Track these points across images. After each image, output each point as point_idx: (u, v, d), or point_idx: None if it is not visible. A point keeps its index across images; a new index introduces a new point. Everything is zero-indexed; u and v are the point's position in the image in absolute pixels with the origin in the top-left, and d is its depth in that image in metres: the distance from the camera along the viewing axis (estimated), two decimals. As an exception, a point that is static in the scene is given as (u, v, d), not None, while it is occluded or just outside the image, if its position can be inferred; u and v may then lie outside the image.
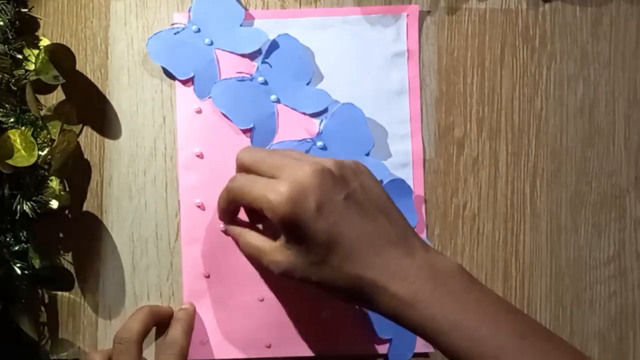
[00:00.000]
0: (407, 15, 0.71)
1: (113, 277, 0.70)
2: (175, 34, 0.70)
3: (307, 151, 0.69)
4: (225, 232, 0.69)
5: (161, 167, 0.71)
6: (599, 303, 0.71)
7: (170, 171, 0.71)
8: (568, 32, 0.72)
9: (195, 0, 0.70)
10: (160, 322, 0.67)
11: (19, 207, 0.66)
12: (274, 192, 0.56)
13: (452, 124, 0.71)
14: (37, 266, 0.67)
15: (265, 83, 0.70)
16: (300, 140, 0.70)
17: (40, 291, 0.71)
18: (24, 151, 0.66)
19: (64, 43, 0.70)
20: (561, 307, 0.70)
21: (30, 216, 0.66)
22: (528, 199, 0.71)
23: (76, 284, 0.70)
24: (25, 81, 0.68)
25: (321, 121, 0.70)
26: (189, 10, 0.70)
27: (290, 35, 0.70)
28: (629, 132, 0.71)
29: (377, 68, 0.71)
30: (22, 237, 0.68)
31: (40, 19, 0.72)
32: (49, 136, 0.68)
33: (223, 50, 0.70)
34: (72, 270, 0.70)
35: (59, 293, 0.70)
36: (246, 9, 0.71)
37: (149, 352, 0.69)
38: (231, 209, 0.65)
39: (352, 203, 0.57)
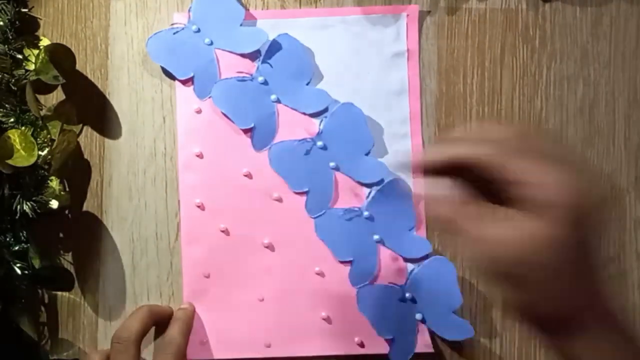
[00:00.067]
0: (407, 15, 0.71)
1: (113, 277, 0.71)
2: (175, 33, 0.70)
3: (307, 151, 0.69)
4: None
5: (161, 167, 0.71)
6: (599, 303, 0.71)
7: (170, 171, 0.71)
8: (568, 32, 0.72)
9: (195, 0, 0.70)
10: (159, 322, 0.67)
11: (19, 207, 0.66)
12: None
13: (452, 124, 0.71)
14: (37, 266, 0.67)
15: (265, 83, 0.70)
16: (300, 140, 0.70)
17: (40, 291, 0.71)
18: (24, 151, 0.66)
19: (64, 43, 0.70)
20: (561, 307, 0.70)
21: (30, 216, 0.66)
22: (528, 199, 0.71)
23: (76, 284, 0.70)
24: (25, 81, 0.68)
25: (321, 121, 0.70)
26: (189, 10, 0.70)
27: (291, 35, 0.70)
28: (629, 132, 0.71)
29: (377, 68, 0.71)
30: (22, 237, 0.68)
31: (40, 19, 0.72)
32: (49, 136, 0.68)
33: (223, 50, 0.70)
34: (72, 270, 0.70)
35: (59, 293, 0.71)
36: (246, 9, 0.71)
37: (148, 352, 0.69)
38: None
39: None
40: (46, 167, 0.68)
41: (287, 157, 0.70)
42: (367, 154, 0.70)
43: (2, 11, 0.68)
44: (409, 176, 0.70)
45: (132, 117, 0.72)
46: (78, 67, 0.71)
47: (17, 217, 0.66)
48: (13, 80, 0.68)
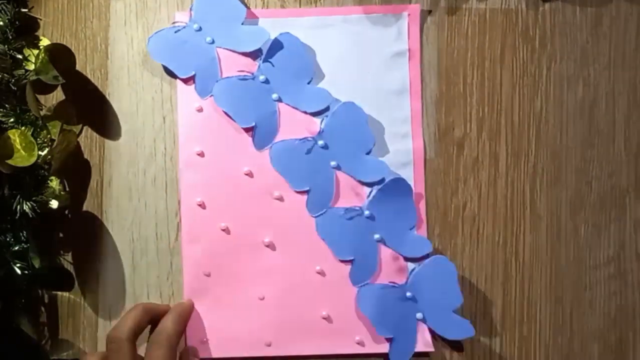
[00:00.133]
0: (409, 15, 0.71)
1: (113, 277, 0.70)
2: (176, 32, 0.70)
3: (308, 150, 0.69)
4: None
5: (161, 167, 0.71)
6: (599, 303, 0.71)
7: (170, 171, 0.71)
8: (568, 32, 0.72)
9: (197, -1, 0.71)
10: (155, 319, 0.67)
11: (19, 207, 0.66)
12: None
13: (452, 124, 0.71)
14: (37, 266, 0.66)
15: (266, 82, 0.70)
16: (301, 139, 0.70)
17: (40, 291, 0.71)
18: (24, 151, 0.66)
19: (64, 43, 0.70)
20: (561, 307, 0.70)
21: (30, 216, 0.66)
22: (528, 199, 0.71)
23: (76, 284, 0.70)
24: (25, 81, 0.68)
25: (322, 120, 0.70)
26: (190, 9, 0.70)
27: (292, 34, 0.70)
28: (629, 132, 0.71)
29: (378, 67, 0.71)
30: (22, 237, 0.68)
31: (40, 19, 0.72)
32: (49, 136, 0.68)
33: (224, 48, 0.71)
34: (72, 270, 0.70)
35: (59, 293, 0.70)
36: (248, 8, 0.71)
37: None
38: None
39: None
40: (46, 167, 0.68)
41: (288, 156, 0.70)
42: (368, 153, 0.70)
43: (2, 11, 0.68)
44: (410, 175, 0.70)
45: (132, 117, 0.72)
46: (78, 67, 0.71)
47: (17, 217, 0.66)
48: (13, 80, 0.68)
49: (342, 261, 0.70)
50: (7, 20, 0.68)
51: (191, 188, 0.70)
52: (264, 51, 0.70)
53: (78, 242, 0.71)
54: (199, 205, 0.70)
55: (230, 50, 0.70)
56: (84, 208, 0.71)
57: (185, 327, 0.69)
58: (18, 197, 0.66)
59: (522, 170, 0.71)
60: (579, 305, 0.70)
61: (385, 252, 0.69)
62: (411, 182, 0.70)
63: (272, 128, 0.70)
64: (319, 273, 0.69)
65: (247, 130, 0.70)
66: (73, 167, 0.70)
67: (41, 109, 0.68)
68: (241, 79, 0.70)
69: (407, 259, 0.70)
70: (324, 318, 0.69)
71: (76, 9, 0.72)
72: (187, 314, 0.69)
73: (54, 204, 0.67)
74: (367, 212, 0.69)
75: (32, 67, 0.69)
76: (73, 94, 0.71)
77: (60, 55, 0.68)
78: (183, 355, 0.68)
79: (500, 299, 0.70)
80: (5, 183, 0.67)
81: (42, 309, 0.70)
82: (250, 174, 0.70)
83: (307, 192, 0.70)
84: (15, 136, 0.66)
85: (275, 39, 0.70)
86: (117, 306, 0.70)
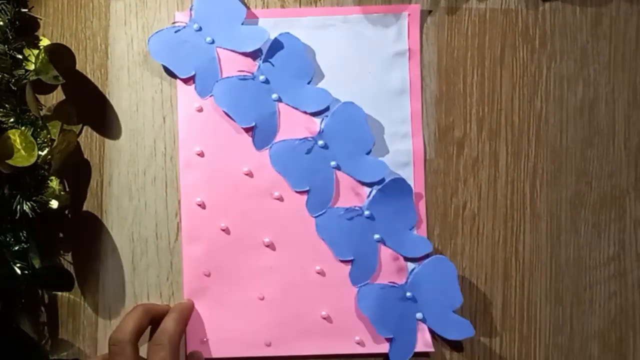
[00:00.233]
0: (409, 15, 0.71)
1: (113, 277, 0.70)
2: (176, 32, 0.70)
3: (308, 150, 0.70)
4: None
5: (161, 167, 0.71)
6: (599, 303, 0.71)
7: (170, 171, 0.71)
8: (568, 32, 0.72)
9: (197, -1, 0.71)
10: (156, 320, 0.67)
11: (19, 207, 0.66)
12: None
13: (452, 124, 0.71)
14: (37, 266, 0.67)
15: (266, 82, 0.70)
16: (301, 139, 0.70)
17: (40, 291, 0.71)
18: (24, 151, 0.66)
19: (64, 43, 0.70)
20: (561, 307, 0.70)
21: (30, 216, 0.66)
22: (528, 199, 0.71)
23: (76, 284, 0.70)
24: (25, 81, 0.68)
25: (322, 120, 0.70)
26: (191, 9, 0.70)
27: (292, 34, 0.70)
28: (629, 132, 0.71)
29: (378, 67, 0.71)
30: (22, 237, 0.68)
31: (40, 19, 0.72)
32: (49, 136, 0.68)
33: (224, 48, 0.71)
34: (72, 270, 0.70)
35: (59, 293, 0.70)
36: (248, 8, 0.71)
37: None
38: None
39: None
40: (46, 167, 0.68)
41: (288, 156, 0.70)
42: (368, 153, 0.70)
43: (2, 11, 0.68)
44: (410, 175, 0.70)
45: (132, 117, 0.72)
46: (78, 67, 0.71)
47: (17, 217, 0.66)
48: (13, 80, 0.68)
49: (342, 261, 0.70)
50: (7, 20, 0.68)
51: (191, 188, 0.70)
52: (264, 51, 0.70)
53: (78, 242, 0.71)
54: (199, 205, 0.70)
55: (230, 50, 0.70)
56: (84, 208, 0.71)
57: (186, 326, 0.69)
58: (18, 197, 0.66)
59: (522, 170, 0.71)
60: (579, 305, 0.70)
61: (385, 252, 0.69)
62: (411, 182, 0.70)
63: (272, 128, 0.70)
64: (319, 273, 0.70)
65: (247, 130, 0.70)
66: (73, 167, 0.71)
67: (41, 109, 0.68)
68: (241, 79, 0.70)
69: (407, 259, 0.70)
70: (324, 318, 0.69)
71: (76, 9, 0.72)
72: (188, 313, 0.69)
73: (54, 204, 0.67)
74: (367, 212, 0.69)
75: (32, 67, 0.69)
76: (73, 94, 0.71)
77: (60, 55, 0.68)
78: (189, 358, 0.68)
79: (500, 299, 0.70)
80: (5, 183, 0.67)
81: (42, 309, 0.70)
82: (250, 174, 0.70)
83: (307, 192, 0.70)
84: (15, 136, 0.66)
85: (275, 39, 0.70)
86: (117, 306, 0.70)
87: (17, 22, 0.70)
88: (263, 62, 0.70)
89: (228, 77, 0.70)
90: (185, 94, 0.71)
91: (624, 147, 0.71)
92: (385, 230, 0.69)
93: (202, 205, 0.70)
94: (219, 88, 0.70)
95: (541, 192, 0.71)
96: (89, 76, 0.72)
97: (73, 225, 0.71)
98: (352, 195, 0.70)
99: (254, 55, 0.71)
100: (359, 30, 0.71)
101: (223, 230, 0.70)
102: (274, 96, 0.70)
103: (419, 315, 0.68)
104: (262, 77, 0.70)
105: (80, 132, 0.71)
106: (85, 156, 0.71)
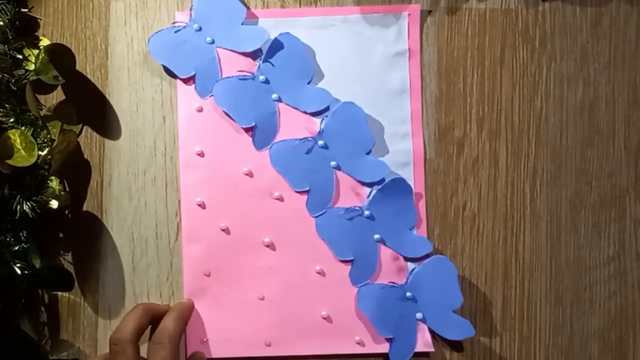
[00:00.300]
0: (409, 15, 0.71)
1: (113, 277, 0.70)
2: (176, 32, 0.70)
3: (308, 150, 0.70)
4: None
5: (161, 167, 0.71)
6: (599, 303, 0.71)
7: (170, 171, 0.71)
8: (568, 32, 0.72)
9: (197, -1, 0.71)
10: (156, 320, 0.67)
11: (19, 207, 0.66)
12: None
13: (452, 124, 0.71)
14: (37, 266, 0.67)
15: (266, 82, 0.70)
16: (301, 139, 0.70)
17: (40, 291, 0.71)
18: (24, 151, 0.66)
19: (64, 43, 0.70)
20: (561, 307, 0.70)
21: (30, 216, 0.66)
22: (528, 199, 0.71)
23: (76, 284, 0.70)
24: (25, 81, 0.68)
25: (322, 120, 0.70)
26: (191, 9, 0.70)
27: (292, 34, 0.70)
28: (629, 132, 0.71)
29: (378, 67, 0.71)
30: (22, 237, 0.68)
31: (40, 19, 0.72)
32: (49, 136, 0.68)
33: (224, 48, 0.71)
34: (72, 270, 0.70)
35: (59, 293, 0.70)
36: (248, 8, 0.71)
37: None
38: None
39: None
40: (46, 167, 0.68)
41: (288, 156, 0.70)
42: (368, 153, 0.70)
43: (2, 11, 0.68)
44: (410, 175, 0.70)
45: (132, 117, 0.72)
46: (78, 67, 0.71)
47: (17, 217, 0.66)
48: (13, 80, 0.68)
49: (342, 261, 0.70)
50: (7, 20, 0.68)
51: (191, 188, 0.70)
52: (264, 51, 0.70)
53: (78, 242, 0.71)
54: (199, 205, 0.70)
55: (230, 50, 0.70)
56: (84, 208, 0.71)
57: (186, 326, 0.69)
58: (18, 197, 0.66)
59: (522, 170, 0.71)
60: (579, 305, 0.70)
61: (385, 252, 0.69)
62: (411, 182, 0.70)
63: (272, 128, 0.70)
64: (319, 273, 0.70)
65: (247, 130, 0.70)
66: (73, 167, 0.71)
67: (41, 109, 0.68)
68: (241, 79, 0.70)
69: (407, 259, 0.70)
70: (324, 318, 0.69)
71: (76, 9, 0.72)
72: (188, 313, 0.69)
73: (54, 204, 0.67)
74: (367, 212, 0.69)
75: (32, 67, 0.69)
76: (73, 94, 0.71)
77: (60, 55, 0.68)
78: (191, 359, 0.68)
79: (500, 299, 0.70)
80: (5, 183, 0.67)
81: (42, 309, 0.70)
82: (250, 174, 0.70)
83: (307, 192, 0.70)
84: (15, 136, 0.66)
85: (275, 39, 0.70)
86: (117, 306, 0.70)
87: (17, 22, 0.70)
88: (263, 62, 0.70)
89: (228, 77, 0.70)
90: (185, 94, 0.71)
91: (624, 147, 0.71)
92: (385, 230, 0.69)
93: (202, 205, 0.70)
94: (219, 88, 0.70)
95: (541, 192, 0.71)
96: (89, 76, 0.72)
97: (73, 225, 0.71)
98: (352, 195, 0.70)
99: (254, 55, 0.71)
100: (359, 30, 0.71)
101: (223, 230, 0.70)
102: (274, 96, 0.70)
103: (419, 315, 0.68)
104: (262, 77, 0.70)
105: (80, 132, 0.71)
106: (85, 156, 0.71)
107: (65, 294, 0.70)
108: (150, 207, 0.71)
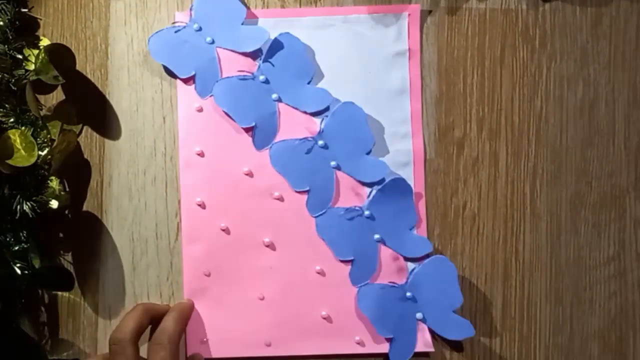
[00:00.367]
0: (409, 15, 0.71)
1: (113, 277, 0.70)
2: (176, 32, 0.70)
3: (308, 150, 0.70)
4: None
5: (161, 167, 0.71)
6: (599, 303, 0.71)
7: (170, 171, 0.71)
8: (568, 32, 0.72)
9: (197, -1, 0.71)
10: (156, 320, 0.67)
11: (19, 207, 0.66)
12: None
13: (452, 124, 0.71)
14: (37, 266, 0.67)
15: (266, 82, 0.70)
16: (301, 139, 0.70)
17: (40, 291, 0.71)
18: (24, 151, 0.66)
19: (64, 43, 0.70)
20: (561, 307, 0.70)
21: (30, 216, 0.66)
22: (528, 199, 0.71)
23: (76, 284, 0.70)
24: (25, 81, 0.68)
25: (322, 120, 0.70)
26: (191, 9, 0.70)
27: (292, 34, 0.70)
28: (629, 132, 0.71)
29: (378, 67, 0.71)
30: (22, 237, 0.68)
31: (40, 19, 0.72)
32: (49, 136, 0.68)
33: (224, 48, 0.70)
34: (72, 270, 0.70)
35: (59, 293, 0.70)
36: (248, 8, 0.71)
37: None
38: None
39: None
40: (46, 167, 0.68)
41: (288, 156, 0.70)
42: (368, 153, 0.70)
43: (2, 11, 0.68)
44: (410, 175, 0.70)
45: (132, 117, 0.72)
46: (78, 67, 0.71)
47: (17, 217, 0.66)
48: (13, 80, 0.68)
49: (342, 261, 0.70)
50: (7, 20, 0.68)
51: (191, 188, 0.70)
52: (264, 51, 0.70)
53: (78, 242, 0.71)
54: (199, 205, 0.70)
55: (230, 50, 0.70)
56: (84, 208, 0.71)
57: (186, 326, 0.69)
58: (18, 197, 0.66)
59: (522, 170, 0.71)
60: (579, 305, 0.70)
61: (385, 252, 0.69)
62: (411, 182, 0.70)
63: (272, 128, 0.70)
64: (319, 273, 0.70)
65: (247, 130, 0.70)
66: (73, 167, 0.70)
67: (41, 109, 0.68)
68: (241, 79, 0.70)
69: (407, 259, 0.70)
70: (324, 318, 0.69)
71: (76, 9, 0.72)
72: (188, 313, 0.69)
73: (54, 204, 0.67)
74: (367, 212, 0.69)
75: (32, 67, 0.69)
76: (73, 94, 0.71)
77: (60, 55, 0.68)
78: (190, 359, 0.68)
79: (500, 299, 0.70)
80: (5, 183, 0.67)
81: (42, 309, 0.70)
82: (250, 174, 0.70)
83: (307, 192, 0.70)
84: (15, 136, 0.66)
85: (275, 39, 0.70)
86: (117, 306, 0.70)
87: (17, 22, 0.70)
88: (263, 62, 0.70)
89: (228, 77, 0.70)
90: (185, 94, 0.71)
91: (624, 147, 0.71)
92: (385, 230, 0.69)
93: (202, 205, 0.70)
94: (219, 88, 0.70)
95: (541, 192, 0.71)
96: (89, 76, 0.72)
97: (73, 225, 0.71)
98: (352, 195, 0.70)
99: (254, 55, 0.71)
100: (359, 30, 0.71)
101: (223, 230, 0.70)
102: (274, 96, 0.70)
103: (419, 315, 0.68)
104: (262, 77, 0.70)
105: (80, 132, 0.71)
106: (85, 156, 0.71)
107: (65, 294, 0.70)
108: (150, 207, 0.71)
